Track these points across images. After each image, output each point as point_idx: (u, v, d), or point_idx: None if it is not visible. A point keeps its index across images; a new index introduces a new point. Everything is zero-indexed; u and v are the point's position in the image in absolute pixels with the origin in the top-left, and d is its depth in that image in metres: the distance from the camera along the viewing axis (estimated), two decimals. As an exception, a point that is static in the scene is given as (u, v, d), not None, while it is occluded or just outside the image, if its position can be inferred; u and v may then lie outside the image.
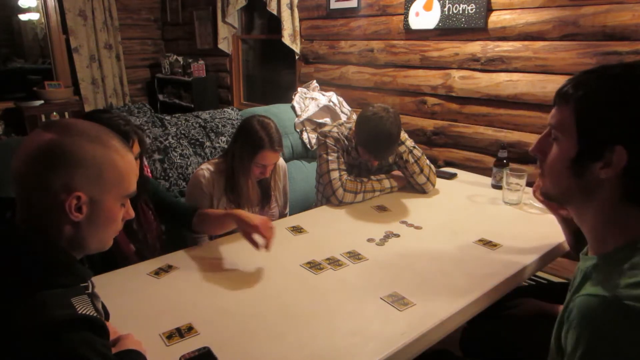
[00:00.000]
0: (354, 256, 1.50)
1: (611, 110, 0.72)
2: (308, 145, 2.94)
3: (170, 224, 1.75)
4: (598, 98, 0.73)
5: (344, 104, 3.20)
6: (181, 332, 1.10)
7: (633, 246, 0.73)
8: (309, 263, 1.45)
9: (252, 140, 1.77)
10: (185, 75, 4.67)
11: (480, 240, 1.60)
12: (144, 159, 1.74)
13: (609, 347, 0.65)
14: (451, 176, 2.36)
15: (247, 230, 1.42)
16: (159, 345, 1.06)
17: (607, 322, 0.66)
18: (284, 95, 3.84)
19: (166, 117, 2.61)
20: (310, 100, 3.07)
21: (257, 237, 1.41)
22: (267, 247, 1.40)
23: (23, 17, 5.50)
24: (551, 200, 0.87)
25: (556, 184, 0.82)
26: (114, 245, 1.41)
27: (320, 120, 2.97)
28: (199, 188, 1.82)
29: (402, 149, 2.07)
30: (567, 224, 1.32)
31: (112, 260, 1.43)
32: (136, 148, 1.42)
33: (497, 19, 2.44)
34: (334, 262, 1.46)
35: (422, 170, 2.08)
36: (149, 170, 2.26)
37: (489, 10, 2.46)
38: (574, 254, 1.46)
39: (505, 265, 1.43)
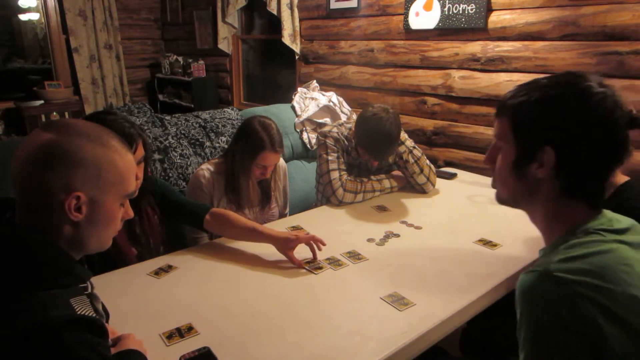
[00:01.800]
0: (354, 256, 1.50)
1: (538, 116, 0.82)
2: (308, 145, 2.93)
3: (182, 224, 1.74)
4: (527, 106, 0.83)
5: (344, 104, 3.20)
6: (181, 332, 1.10)
7: (569, 232, 0.82)
8: (308, 263, 1.44)
9: (252, 141, 1.77)
10: (185, 75, 4.67)
11: (480, 240, 1.60)
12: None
13: (546, 315, 0.72)
14: (451, 176, 2.36)
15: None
16: (159, 345, 1.06)
17: (541, 292, 0.74)
18: (284, 95, 3.84)
19: (166, 117, 2.60)
20: (310, 100, 3.07)
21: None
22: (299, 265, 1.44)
23: (23, 17, 5.50)
24: (505, 204, 0.95)
25: (505, 188, 0.92)
26: (116, 248, 1.42)
27: (320, 120, 2.97)
28: (199, 188, 1.82)
29: (402, 149, 2.07)
30: None
31: (112, 262, 1.43)
32: (140, 151, 1.39)
33: (497, 19, 2.44)
34: (334, 262, 1.46)
35: (422, 170, 2.08)
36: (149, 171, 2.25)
37: (489, 10, 2.46)
38: None
39: (505, 265, 1.43)
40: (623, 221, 0.84)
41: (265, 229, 1.51)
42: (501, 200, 0.94)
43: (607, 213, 0.85)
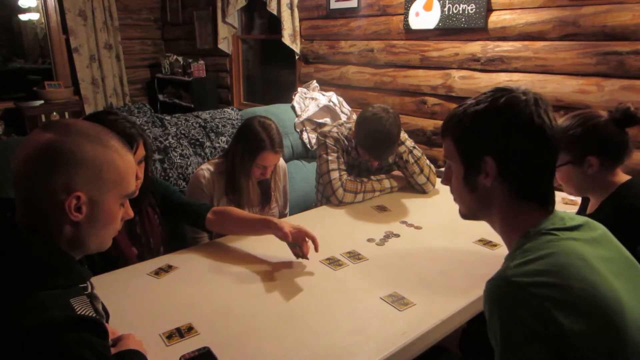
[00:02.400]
0: (354, 256, 1.50)
1: (474, 130, 0.88)
2: (308, 145, 2.93)
3: (183, 224, 1.74)
4: (463, 123, 0.90)
5: (344, 104, 3.20)
6: (181, 332, 1.10)
7: (524, 236, 0.86)
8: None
9: (253, 141, 1.77)
10: (185, 75, 4.67)
11: (480, 240, 1.60)
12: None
13: (509, 321, 0.75)
14: (451, 176, 2.36)
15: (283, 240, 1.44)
16: (159, 345, 1.06)
17: (501, 297, 0.78)
18: (284, 95, 3.84)
19: (166, 117, 2.60)
20: (310, 100, 3.07)
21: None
22: (303, 256, 1.43)
23: (23, 17, 5.50)
24: (467, 218, 0.99)
25: (463, 204, 0.98)
26: (116, 248, 1.42)
27: (320, 120, 2.97)
28: (199, 188, 1.82)
29: (402, 149, 2.07)
30: None
31: (113, 262, 1.43)
32: (141, 151, 1.39)
33: (497, 19, 2.44)
34: (334, 262, 1.46)
35: (422, 171, 2.08)
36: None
37: (489, 10, 2.46)
38: None
39: (505, 265, 1.43)
40: (576, 219, 0.88)
41: (271, 217, 1.49)
42: (463, 215, 1.00)
43: (559, 213, 0.89)
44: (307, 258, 1.44)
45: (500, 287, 0.79)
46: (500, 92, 0.88)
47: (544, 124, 0.84)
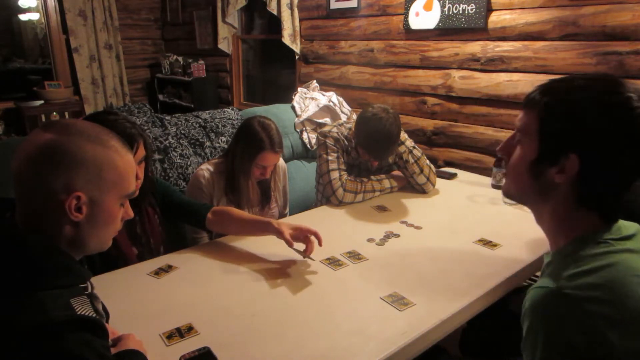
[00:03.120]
0: (354, 256, 1.50)
1: (570, 120, 0.76)
2: (308, 145, 2.93)
3: (183, 223, 1.74)
4: (561, 107, 0.78)
5: (344, 104, 3.20)
6: (181, 332, 1.10)
7: (578, 241, 0.79)
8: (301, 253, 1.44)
9: (252, 141, 1.77)
10: (185, 75, 4.67)
11: (480, 240, 1.60)
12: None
13: (556, 331, 0.71)
14: (451, 176, 2.36)
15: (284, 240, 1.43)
16: (159, 345, 1.06)
17: (551, 310, 0.72)
18: (284, 95, 3.84)
19: (166, 117, 2.61)
20: (310, 100, 3.07)
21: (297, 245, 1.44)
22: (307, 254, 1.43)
23: (23, 17, 5.50)
24: (512, 198, 0.92)
25: (516, 184, 0.88)
26: (116, 248, 1.42)
27: (320, 120, 2.97)
28: (199, 188, 1.82)
29: (402, 149, 2.07)
30: None
31: (113, 262, 1.43)
32: (141, 151, 1.39)
33: (497, 19, 2.44)
34: (334, 262, 1.46)
35: (422, 171, 2.08)
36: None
37: (489, 10, 2.46)
38: None
39: (505, 265, 1.43)
40: (629, 227, 0.82)
41: (271, 219, 1.49)
42: (509, 194, 0.92)
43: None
44: (312, 259, 1.44)
45: (550, 299, 0.73)
46: (614, 86, 0.75)
47: None
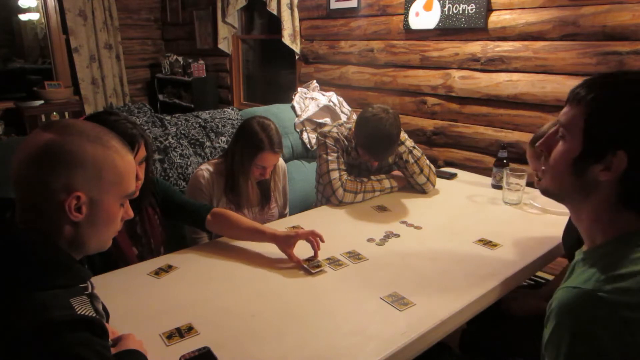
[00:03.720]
0: (354, 256, 1.50)
1: (619, 116, 0.74)
2: (308, 145, 2.93)
3: (183, 224, 1.74)
4: (608, 103, 0.75)
5: (344, 104, 3.20)
6: (181, 332, 1.10)
7: (617, 241, 0.76)
8: (308, 261, 1.44)
9: (252, 141, 1.77)
10: (185, 75, 4.67)
11: (480, 240, 1.60)
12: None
13: (586, 336, 0.67)
14: (451, 176, 2.36)
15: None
16: (159, 345, 1.06)
17: (583, 313, 0.69)
18: (284, 95, 3.84)
19: (166, 117, 2.60)
20: (310, 100, 3.07)
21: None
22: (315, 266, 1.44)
23: (23, 17, 5.49)
24: (549, 196, 0.88)
25: (556, 180, 0.84)
26: (117, 248, 1.42)
27: (320, 120, 2.97)
28: (199, 188, 1.82)
29: (401, 149, 2.07)
30: None
31: (113, 262, 1.43)
32: (142, 151, 1.39)
33: (497, 19, 2.44)
34: (334, 262, 1.45)
35: (422, 171, 2.08)
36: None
37: (489, 10, 2.46)
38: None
39: (505, 265, 1.43)
40: None
41: (266, 229, 1.51)
42: (547, 192, 0.88)
43: None
44: (320, 267, 1.42)
45: (584, 301, 0.69)
46: None
47: None
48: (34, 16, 5.33)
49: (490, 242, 1.59)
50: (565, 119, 0.81)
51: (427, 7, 2.70)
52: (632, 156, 0.73)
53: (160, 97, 5.05)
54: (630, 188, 0.75)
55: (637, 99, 0.73)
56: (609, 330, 0.66)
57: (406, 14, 2.82)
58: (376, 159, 2.03)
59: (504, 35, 2.43)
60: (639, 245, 0.74)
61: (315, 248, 1.46)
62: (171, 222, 1.68)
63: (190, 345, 1.06)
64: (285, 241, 1.45)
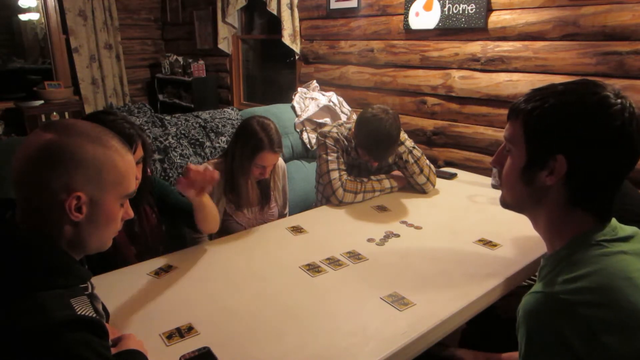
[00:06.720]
0: (354, 256, 1.50)
1: (553, 123, 0.80)
2: (308, 145, 2.94)
3: (179, 223, 1.74)
4: (543, 112, 0.81)
5: (344, 104, 3.20)
6: (181, 332, 1.10)
7: (573, 243, 0.81)
8: (308, 265, 1.44)
9: (251, 141, 1.77)
10: (185, 75, 4.67)
11: (480, 240, 1.60)
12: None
13: (552, 337, 0.71)
14: (451, 176, 2.36)
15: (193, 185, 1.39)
16: (159, 345, 1.06)
17: (546, 315, 0.73)
18: (284, 95, 3.84)
19: (166, 117, 2.61)
20: (310, 100, 3.07)
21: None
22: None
23: (23, 17, 5.49)
24: (509, 208, 0.93)
25: (510, 192, 0.91)
26: (115, 247, 1.42)
27: (320, 120, 2.97)
28: (199, 188, 1.81)
29: (401, 149, 2.07)
30: None
31: (112, 262, 1.43)
32: (139, 151, 1.39)
33: (497, 19, 2.44)
34: (334, 262, 1.46)
35: (422, 171, 2.08)
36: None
37: (489, 10, 2.46)
38: None
39: (505, 265, 1.43)
40: (626, 229, 0.83)
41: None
42: (506, 204, 0.94)
43: (612, 221, 0.83)
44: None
45: (545, 304, 0.74)
46: (591, 88, 0.79)
47: (633, 135, 0.76)
48: (34, 16, 5.34)
49: (490, 242, 1.59)
50: (508, 134, 0.88)
51: (427, 7, 2.70)
52: (570, 159, 0.78)
53: (160, 97, 5.05)
54: (574, 188, 0.80)
55: (568, 106, 0.79)
56: (572, 329, 0.70)
57: (406, 14, 2.82)
58: (376, 159, 2.03)
59: (504, 35, 2.43)
60: (592, 245, 0.79)
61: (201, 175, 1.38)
62: (168, 222, 1.69)
63: (190, 345, 1.06)
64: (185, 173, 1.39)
